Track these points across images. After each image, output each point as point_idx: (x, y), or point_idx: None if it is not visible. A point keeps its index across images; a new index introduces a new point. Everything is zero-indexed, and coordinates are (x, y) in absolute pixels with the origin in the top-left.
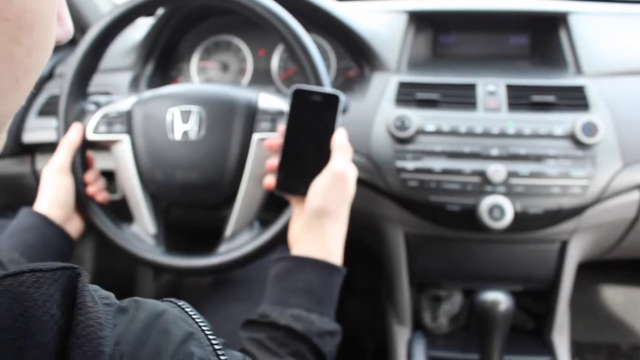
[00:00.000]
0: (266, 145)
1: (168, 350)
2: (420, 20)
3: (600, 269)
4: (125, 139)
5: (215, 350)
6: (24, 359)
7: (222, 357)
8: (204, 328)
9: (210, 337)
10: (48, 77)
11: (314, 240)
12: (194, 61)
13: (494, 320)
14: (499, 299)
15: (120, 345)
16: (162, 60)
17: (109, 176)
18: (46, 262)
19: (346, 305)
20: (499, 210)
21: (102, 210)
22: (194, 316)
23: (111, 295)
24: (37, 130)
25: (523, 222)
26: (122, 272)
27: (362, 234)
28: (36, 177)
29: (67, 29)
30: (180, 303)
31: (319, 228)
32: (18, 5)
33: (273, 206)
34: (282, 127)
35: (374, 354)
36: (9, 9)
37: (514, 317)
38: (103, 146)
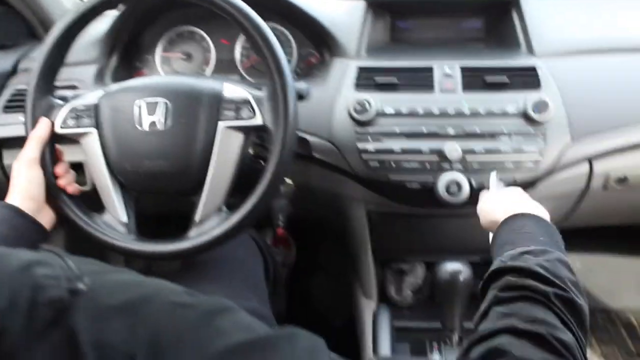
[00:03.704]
0: None
1: None
2: (378, 6)
3: None
4: (93, 132)
5: None
6: None
7: None
8: None
9: None
10: (12, 72)
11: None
12: (158, 52)
13: (454, 289)
14: (458, 269)
15: None
16: (126, 52)
17: (79, 168)
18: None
19: (314, 284)
20: (456, 186)
21: (73, 201)
22: None
23: None
24: (4, 126)
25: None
26: None
27: (327, 213)
28: (4, 172)
29: None
30: None
31: None
32: None
33: (239, 191)
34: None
35: (342, 331)
36: None
37: (474, 286)
38: (72, 139)
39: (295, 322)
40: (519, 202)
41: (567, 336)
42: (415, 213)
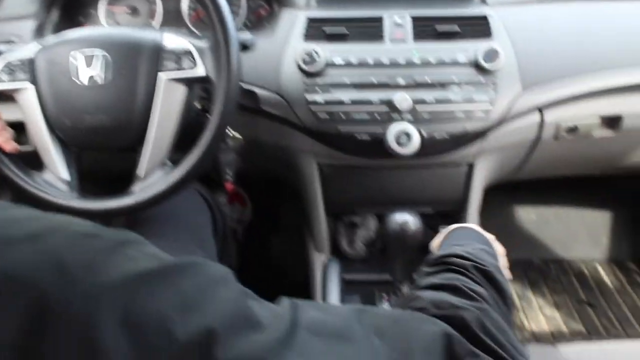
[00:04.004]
0: None
1: None
2: None
3: (512, 190)
4: (29, 87)
5: None
6: None
7: None
8: None
9: None
10: None
11: None
12: (102, 6)
13: (403, 240)
14: (407, 220)
15: None
16: (68, 6)
17: (20, 127)
18: None
19: (273, 242)
20: (406, 136)
21: (12, 160)
22: None
23: None
24: None
25: (430, 146)
26: None
27: (279, 168)
28: None
29: None
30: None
31: None
32: None
33: (183, 146)
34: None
35: (299, 286)
36: None
37: (426, 237)
38: (8, 96)
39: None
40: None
41: (481, 290)
42: (366, 165)
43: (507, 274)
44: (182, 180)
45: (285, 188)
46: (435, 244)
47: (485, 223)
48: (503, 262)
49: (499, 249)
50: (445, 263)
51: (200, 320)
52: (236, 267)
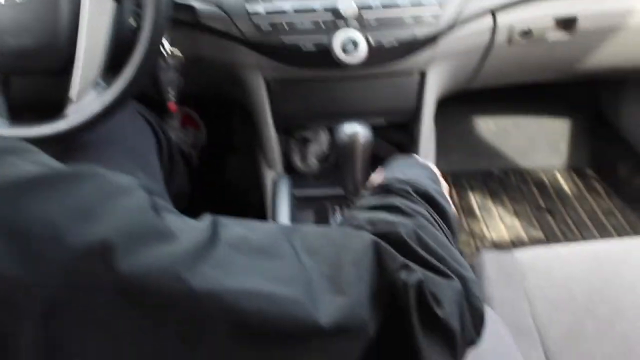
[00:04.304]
0: None
1: None
2: None
3: (471, 100)
4: None
5: None
6: None
7: None
8: None
9: None
10: None
11: None
12: None
13: (353, 151)
14: (356, 130)
15: None
16: None
17: None
18: None
19: (229, 164)
20: (352, 44)
21: None
22: None
23: None
24: None
25: (378, 54)
26: None
27: (225, 86)
28: None
29: None
30: None
31: None
32: None
33: (117, 65)
34: None
35: (258, 207)
36: None
37: (380, 149)
38: None
39: (208, 202)
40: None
41: (421, 209)
42: (314, 77)
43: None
44: (117, 100)
45: (238, 108)
46: (375, 177)
47: (443, 135)
48: (446, 192)
49: (443, 183)
50: (385, 188)
51: (97, 229)
52: (189, 192)
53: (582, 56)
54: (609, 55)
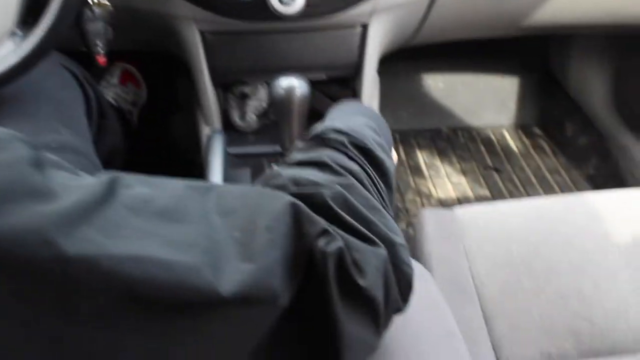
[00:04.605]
0: None
1: None
2: None
3: (418, 57)
4: None
5: None
6: None
7: None
8: None
9: None
10: None
11: None
12: None
13: (289, 106)
14: (293, 84)
15: None
16: None
17: None
18: None
19: (170, 122)
20: None
21: None
22: None
23: None
24: None
25: (316, 5)
26: None
27: (160, 39)
28: None
29: None
30: None
31: None
32: None
33: (36, 14)
34: None
35: (198, 166)
36: None
37: (321, 104)
38: None
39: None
40: None
41: (354, 166)
42: (251, 29)
43: (393, 155)
44: (35, 50)
45: (181, 64)
46: (315, 127)
47: (391, 92)
48: (389, 139)
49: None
50: (320, 138)
51: None
52: (126, 150)
53: (527, 10)
54: (556, 9)
